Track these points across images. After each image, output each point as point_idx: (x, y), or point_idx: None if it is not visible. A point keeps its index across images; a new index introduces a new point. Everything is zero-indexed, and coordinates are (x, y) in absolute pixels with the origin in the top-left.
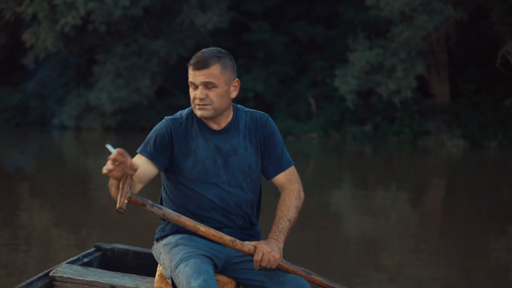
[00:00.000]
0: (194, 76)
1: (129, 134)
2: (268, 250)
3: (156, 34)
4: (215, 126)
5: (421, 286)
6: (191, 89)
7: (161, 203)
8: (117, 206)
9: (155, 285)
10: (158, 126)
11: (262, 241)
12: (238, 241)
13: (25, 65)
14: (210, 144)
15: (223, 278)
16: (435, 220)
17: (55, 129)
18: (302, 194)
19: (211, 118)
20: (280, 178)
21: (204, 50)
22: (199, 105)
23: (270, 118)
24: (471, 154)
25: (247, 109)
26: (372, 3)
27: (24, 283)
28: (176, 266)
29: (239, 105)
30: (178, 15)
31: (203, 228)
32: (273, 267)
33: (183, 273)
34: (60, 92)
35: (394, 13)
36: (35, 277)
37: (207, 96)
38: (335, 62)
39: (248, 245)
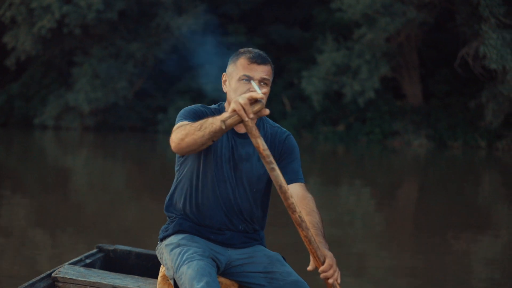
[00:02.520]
0: (253, 69)
1: (108, 133)
2: (335, 263)
3: (133, 36)
4: (237, 128)
5: (386, 281)
6: (240, 82)
7: (168, 202)
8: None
9: (157, 287)
10: (188, 108)
11: (326, 251)
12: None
13: (8, 67)
14: (229, 144)
15: (225, 281)
16: (400, 217)
17: (37, 129)
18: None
19: (267, 114)
20: (296, 187)
21: (250, 48)
22: None
23: (291, 136)
24: (434, 154)
25: (271, 122)
26: (336, 6)
27: (26, 284)
28: (179, 267)
29: (264, 117)
30: (154, 18)
31: None
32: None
33: (186, 275)
34: (42, 93)
35: (357, 16)
36: (38, 278)
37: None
38: (307, 63)
39: (323, 254)
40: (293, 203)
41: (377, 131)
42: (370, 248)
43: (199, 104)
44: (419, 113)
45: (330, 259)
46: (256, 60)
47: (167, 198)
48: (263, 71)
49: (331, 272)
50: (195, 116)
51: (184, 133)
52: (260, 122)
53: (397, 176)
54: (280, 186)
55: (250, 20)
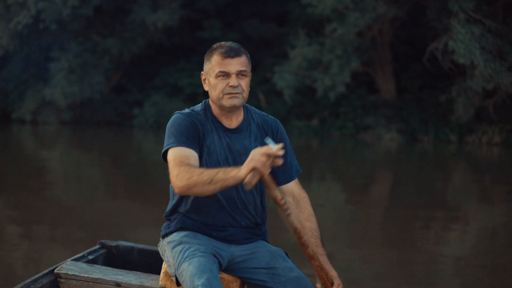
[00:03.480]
0: (227, 64)
1: (85, 128)
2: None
3: (109, 32)
4: (227, 123)
5: (353, 273)
6: (218, 79)
7: (169, 207)
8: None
9: (160, 283)
10: (177, 121)
11: (330, 267)
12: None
13: None
14: (223, 142)
15: (228, 277)
16: (369, 210)
17: (15, 124)
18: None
19: (238, 108)
20: (292, 186)
21: (222, 42)
22: (232, 93)
23: (280, 123)
24: (405, 148)
25: (258, 110)
26: (307, 2)
27: (29, 280)
28: (180, 264)
29: (249, 105)
30: (130, 14)
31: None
32: None
33: (187, 272)
34: (21, 88)
35: (327, 11)
36: (40, 274)
37: (239, 84)
38: (280, 59)
39: (331, 275)
40: (306, 240)
41: (349, 125)
42: (339, 243)
43: (186, 111)
44: (391, 108)
45: (337, 279)
46: (229, 53)
47: (169, 207)
48: (238, 63)
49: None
50: (188, 137)
51: (192, 183)
52: (247, 113)
53: (368, 170)
54: (295, 229)
55: (226, 15)
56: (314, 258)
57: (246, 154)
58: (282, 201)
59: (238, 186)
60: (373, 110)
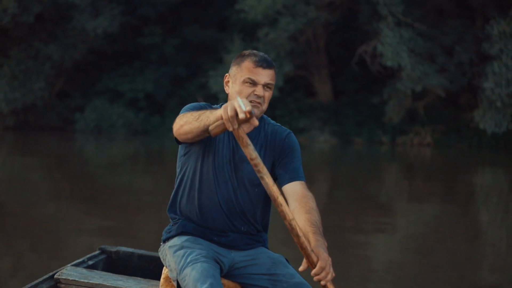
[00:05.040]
0: (258, 74)
1: (28, 133)
2: (329, 260)
3: (51, 39)
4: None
5: None
6: (244, 85)
7: (171, 203)
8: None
9: None
10: (193, 103)
11: (320, 248)
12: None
13: None
14: (230, 144)
15: (228, 283)
16: None
17: None
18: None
19: (256, 126)
20: (296, 185)
21: (255, 51)
22: (255, 101)
23: (292, 134)
24: (338, 150)
25: (272, 121)
26: (240, 7)
27: (29, 285)
28: (183, 269)
29: (265, 115)
30: (71, 20)
31: None
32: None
33: (190, 277)
34: None
35: (259, 16)
36: (40, 279)
37: (263, 95)
38: (217, 63)
39: (317, 255)
40: (283, 211)
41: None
42: (269, 245)
43: (204, 103)
44: (327, 110)
45: (322, 261)
46: (262, 64)
47: (170, 200)
48: (267, 75)
49: (323, 274)
50: (200, 110)
51: (184, 120)
52: (261, 122)
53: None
54: (270, 194)
55: (167, 21)
56: (293, 233)
57: (248, 162)
58: (254, 162)
59: (237, 192)
60: (309, 113)
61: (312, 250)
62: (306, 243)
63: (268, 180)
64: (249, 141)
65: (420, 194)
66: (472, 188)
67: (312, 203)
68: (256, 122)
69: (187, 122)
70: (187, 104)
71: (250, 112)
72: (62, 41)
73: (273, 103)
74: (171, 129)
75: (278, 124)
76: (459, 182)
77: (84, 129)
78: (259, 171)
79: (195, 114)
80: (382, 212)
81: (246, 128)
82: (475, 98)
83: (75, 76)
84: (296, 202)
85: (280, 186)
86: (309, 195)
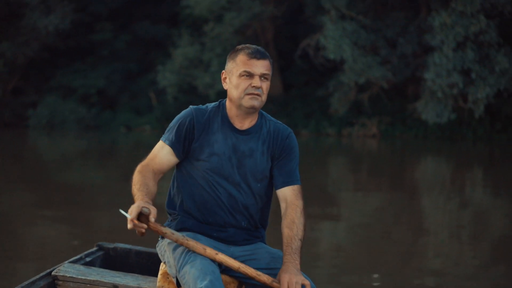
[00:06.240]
0: (252, 65)
1: None
2: (292, 279)
3: (4, 36)
4: (239, 125)
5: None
6: (241, 79)
7: (169, 199)
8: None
9: (157, 285)
10: (181, 114)
11: (282, 270)
12: (262, 274)
13: None
14: (229, 142)
15: (225, 278)
16: None
17: None
18: (304, 212)
19: (256, 110)
20: (287, 191)
21: (248, 44)
22: (253, 94)
23: (293, 134)
24: None
25: (273, 118)
26: (186, 3)
27: (26, 282)
28: (182, 266)
29: (265, 113)
30: (23, 18)
31: (221, 256)
32: None
33: (189, 274)
34: None
35: (204, 12)
36: (38, 276)
37: (261, 86)
38: (167, 59)
39: (271, 279)
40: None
41: None
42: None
43: (196, 107)
44: (277, 103)
45: (283, 286)
46: (256, 55)
47: (168, 195)
48: (262, 66)
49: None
50: (178, 136)
51: (133, 179)
52: (262, 118)
53: None
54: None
55: (120, 17)
56: (250, 277)
57: (251, 156)
58: (155, 228)
59: (239, 187)
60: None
61: (273, 281)
62: (263, 279)
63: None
64: (164, 229)
65: (365, 185)
66: (416, 178)
67: (294, 214)
68: (142, 229)
69: (132, 183)
70: (143, 99)
71: (133, 219)
72: (14, 38)
73: (220, 97)
74: (122, 124)
75: (279, 121)
76: (404, 172)
77: (36, 125)
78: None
79: (135, 187)
80: (328, 202)
81: (248, 120)
82: (419, 89)
83: (29, 73)
84: (283, 210)
85: (274, 188)
86: (297, 203)
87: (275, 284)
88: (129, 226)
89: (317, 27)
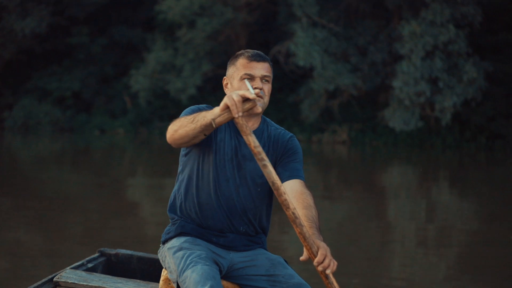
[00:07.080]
0: (253, 67)
1: None
2: (329, 255)
3: None
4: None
5: None
6: (242, 82)
7: (170, 203)
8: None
9: None
10: (192, 107)
11: (321, 243)
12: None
13: None
14: (232, 143)
15: (227, 284)
16: None
17: None
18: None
19: (257, 114)
20: (295, 183)
21: (247, 50)
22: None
23: (295, 138)
24: None
25: (275, 124)
26: (159, 8)
27: None
28: (183, 271)
29: (267, 118)
30: None
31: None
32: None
33: (190, 279)
34: None
35: (177, 17)
36: (40, 282)
37: (262, 88)
38: (141, 63)
39: (316, 246)
40: (286, 200)
41: None
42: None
43: (205, 105)
44: None
45: (323, 249)
46: (255, 58)
47: (170, 199)
48: (263, 68)
49: (326, 261)
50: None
51: (178, 124)
52: (264, 123)
53: None
54: (273, 183)
55: (97, 21)
56: (296, 223)
57: (252, 160)
58: (257, 149)
59: (239, 190)
60: None
61: (313, 240)
62: (307, 233)
63: (270, 168)
64: (250, 130)
65: (334, 191)
66: (384, 185)
67: (309, 199)
68: (259, 109)
69: (182, 126)
70: (118, 102)
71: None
72: None
73: (195, 102)
74: (97, 127)
75: (282, 127)
76: (373, 179)
77: (12, 126)
78: (262, 159)
79: (189, 117)
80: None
81: (249, 123)
82: (388, 97)
83: (6, 75)
84: (294, 199)
85: (281, 181)
86: (307, 192)
87: (314, 244)
88: (252, 96)
89: (288, 34)
